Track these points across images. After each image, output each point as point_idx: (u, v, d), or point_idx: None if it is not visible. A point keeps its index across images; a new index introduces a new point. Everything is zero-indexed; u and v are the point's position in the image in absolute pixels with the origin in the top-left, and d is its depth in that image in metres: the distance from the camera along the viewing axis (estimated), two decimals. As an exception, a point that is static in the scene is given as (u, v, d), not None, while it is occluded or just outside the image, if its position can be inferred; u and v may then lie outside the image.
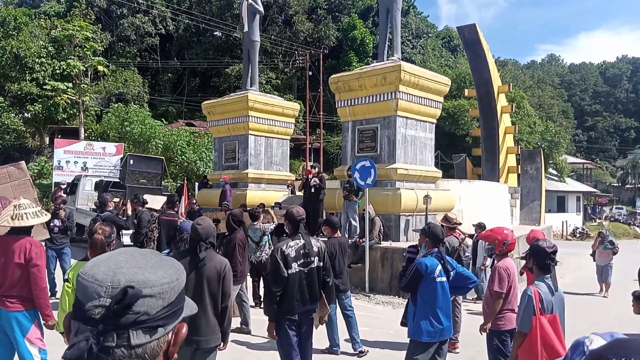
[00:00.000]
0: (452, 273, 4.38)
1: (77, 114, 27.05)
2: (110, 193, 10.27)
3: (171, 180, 23.14)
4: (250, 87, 16.36)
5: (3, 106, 26.77)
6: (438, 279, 4.29)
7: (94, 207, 12.48)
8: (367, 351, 6.47)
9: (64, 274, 5.26)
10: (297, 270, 4.19)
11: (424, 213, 11.52)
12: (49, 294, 4.95)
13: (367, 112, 12.21)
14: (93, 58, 27.11)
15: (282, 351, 4.31)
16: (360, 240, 10.34)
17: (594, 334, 1.21)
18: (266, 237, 8.50)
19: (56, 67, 26.56)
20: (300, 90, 37.46)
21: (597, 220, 40.98)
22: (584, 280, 12.70)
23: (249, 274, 8.92)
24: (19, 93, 27.07)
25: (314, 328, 4.54)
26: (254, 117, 15.74)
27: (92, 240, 3.66)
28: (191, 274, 3.61)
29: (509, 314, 4.72)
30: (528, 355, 3.75)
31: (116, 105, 27.92)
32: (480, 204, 14.12)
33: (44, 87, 26.17)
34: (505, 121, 21.86)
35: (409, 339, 4.48)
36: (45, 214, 4.53)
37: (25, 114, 28.14)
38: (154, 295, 0.92)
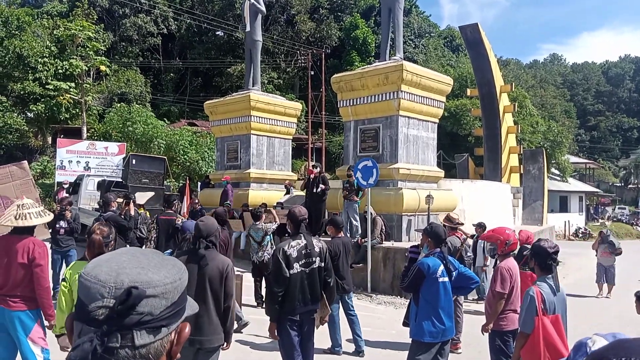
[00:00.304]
0: (454, 273, 4.38)
1: (80, 113, 27.11)
2: (114, 193, 10.28)
3: (173, 180, 23.18)
4: (253, 86, 16.37)
5: (6, 106, 26.85)
6: (440, 279, 4.29)
7: (97, 206, 12.50)
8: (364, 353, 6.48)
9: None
10: (298, 270, 4.19)
11: (426, 213, 11.51)
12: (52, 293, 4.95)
13: (369, 111, 12.20)
14: (95, 58, 27.16)
15: (284, 351, 4.31)
16: (362, 240, 10.33)
17: (596, 334, 1.21)
18: (268, 237, 8.51)
19: (59, 67, 26.63)
20: (302, 90, 37.48)
21: (600, 221, 40.90)
22: (586, 281, 12.67)
23: (251, 273, 8.95)
24: (21, 93, 27.16)
25: (315, 328, 4.54)
26: (256, 116, 15.75)
27: (90, 240, 3.67)
28: (194, 273, 3.61)
29: (511, 315, 4.72)
30: (531, 356, 3.74)
31: (119, 105, 27.97)
32: (483, 203, 14.12)
33: (47, 86, 26.25)
34: (507, 121, 21.84)
35: (411, 339, 4.48)
36: (48, 214, 4.54)
37: (28, 114, 28.20)
38: (158, 296, 0.92)
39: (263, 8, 16.64)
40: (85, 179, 17.30)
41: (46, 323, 4.40)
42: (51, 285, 4.65)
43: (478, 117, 26.29)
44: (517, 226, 16.78)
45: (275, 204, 13.26)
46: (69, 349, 0.91)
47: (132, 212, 8.96)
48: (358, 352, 6.47)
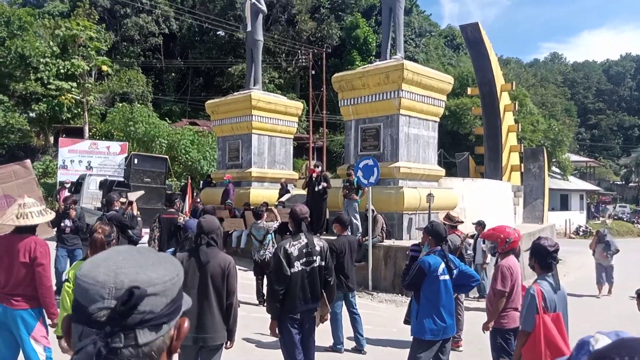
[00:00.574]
0: (455, 271, 4.39)
1: (82, 113, 27.15)
2: (117, 192, 10.29)
3: (175, 179, 23.21)
4: (254, 86, 16.37)
5: (8, 106, 26.89)
6: (441, 277, 4.30)
7: (100, 206, 12.50)
8: (366, 352, 6.49)
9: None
10: (299, 269, 4.21)
11: (427, 211, 11.52)
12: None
13: (370, 110, 12.21)
14: (97, 58, 27.21)
15: (285, 349, 4.33)
16: (364, 238, 10.35)
17: (599, 333, 1.20)
18: (270, 235, 8.54)
19: (60, 67, 26.65)
20: (303, 89, 37.47)
21: (601, 219, 40.84)
22: (587, 279, 12.66)
23: (252, 271, 8.96)
24: (23, 92, 27.20)
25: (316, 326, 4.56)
26: (258, 116, 15.75)
27: (91, 239, 3.68)
28: (196, 271, 3.63)
29: (512, 313, 4.72)
30: (532, 354, 3.75)
31: (120, 104, 28.00)
32: (483, 202, 14.10)
33: (49, 86, 26.28)
34: (508, 119, 21.81)
35: (412, 337, 4.49)
36: (50, 213, 4.55)
37: (30, 114, 28.23)
38: (158, 294, 0.92)
39: (264, 8, 16.63)
40: (87, 178, 17.33)
41: (49, 322, 4.42)
42: (53, 282, 4.66)
43: (479, 116, 26.25)
44: (518, 225, 16.77)
45: (276, 203, 13.28)
46: (70, 352, 0.91)
47: (135, 212, 8.97)
48: (359, 350, 6.48)
